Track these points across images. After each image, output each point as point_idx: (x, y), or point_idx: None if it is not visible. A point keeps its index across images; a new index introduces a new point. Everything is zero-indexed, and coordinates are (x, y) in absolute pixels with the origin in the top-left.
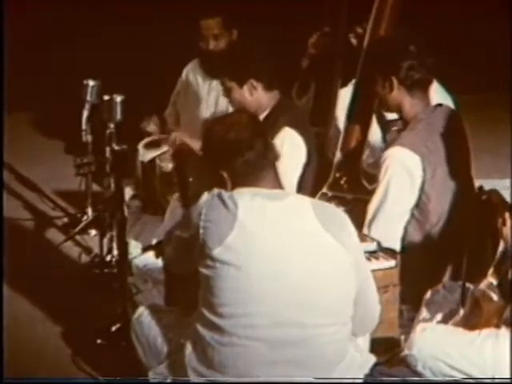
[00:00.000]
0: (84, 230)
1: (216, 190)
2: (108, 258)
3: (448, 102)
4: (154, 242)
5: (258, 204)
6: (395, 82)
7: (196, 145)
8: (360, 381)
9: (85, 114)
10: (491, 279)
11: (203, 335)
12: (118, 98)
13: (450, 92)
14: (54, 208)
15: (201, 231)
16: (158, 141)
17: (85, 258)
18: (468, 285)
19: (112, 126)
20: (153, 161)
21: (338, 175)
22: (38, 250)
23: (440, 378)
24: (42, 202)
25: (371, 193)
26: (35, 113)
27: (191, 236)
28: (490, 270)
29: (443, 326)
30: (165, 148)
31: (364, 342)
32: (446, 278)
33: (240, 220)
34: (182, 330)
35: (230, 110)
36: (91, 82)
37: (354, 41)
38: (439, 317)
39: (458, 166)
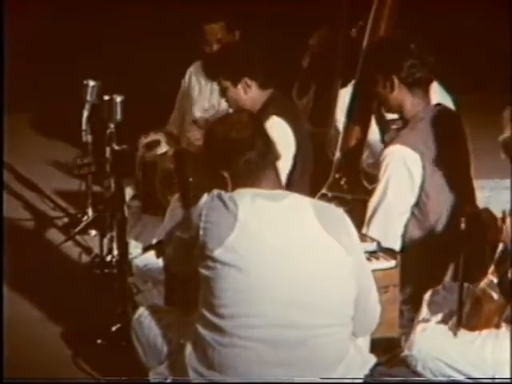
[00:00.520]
0: (84, 231)
1: (216, 191)
2: (108, 258)
3: (448, 101)
4: (154, 242)
5: (258, 204)
6: (396, 81)
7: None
8: (360, 381)
9: (85, 114)
10: (492, 278)
11: (203, 336)
12: (118, 98)
13: (449, 92)
14: (54, 208)
15: (201, 232)
16: (158, 141)
17: (85, 258)
18: (468, 285)
19: (112, 126)
20: (153, 161)
21: (337, 176)
22: (38, 250)
23: (440, 378)
24: (42, 201)
25: (371, 193)
26: (35, 113)
27: (191, 237)
28: (491, 269)
29: (443, 326)
30: (165, 148)
31: (364, 342)
32: (448, 278)
33: (240, 221)
34: (182, 330)
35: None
36: (91, 82)
37: (354, 34)
38: (439, 317)
39: (457, 165)
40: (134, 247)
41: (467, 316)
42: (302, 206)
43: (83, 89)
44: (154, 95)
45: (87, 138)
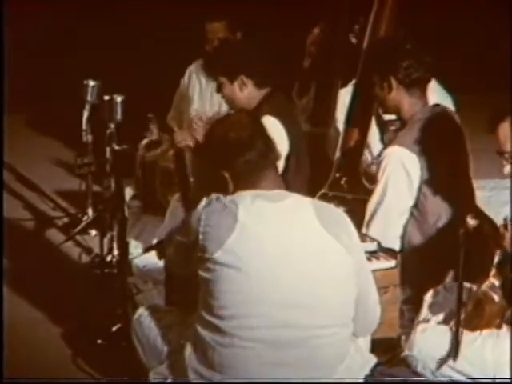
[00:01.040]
0: (84, 230)
1: (214, 195)
2: (108, 258)
3: (447, 101)
4: (154, 242)
5: (258, 205)
6: (394, 82)
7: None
8: (361, 381)
9: (85, 114)
10: (493, 280)
11: (203, 336)
12: (118, 98)
13: (449, 92)
14: (54, 208)
15: (200, 237)
16: (158, 141)
17: (85, 258)
18: (471, 285)
19: (112, 125)
20: (153, 161)
21: (338, 175)
22: (38, 249)
23: (440, 379)
24: (42, 201)
25: (371, 193)
26: (35, 113)
27: (191, 241)
28: (492, 272)
29: (444, 326)
30: (165, 148)
31: (365, 342)
32: (448, 278)
33: (240, 221)
34: (182, 330)
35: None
36: (91, 82)
37: (353, 40)
38: (440, 317)
39: (456, 166)
40: (134, 247)
41: (469, 317)
42: (302, 206)
43: (83, 89)
44: (154, 95)
45: (87, 137)
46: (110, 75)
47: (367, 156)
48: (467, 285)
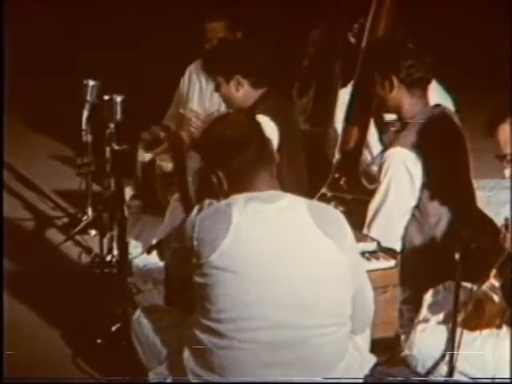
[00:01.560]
0: (84, 230)
1: (207, 200)
2: (108, 258)
3: (448, 101)
4: (154, 242)
5: (252, 207)
6: (395, 81)
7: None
8: (360, 381)
9: (85, 114)
10: (494, 281)
11: (202, 339)
12: (118, 98)
13: (449, 92)
14: (54, 208)
15: (195, 243)
16: (158, 141)
17: (85, 258)
18: (471, 285)
19: (112, 126)
20: (153, 161)
21: (337, 175)
22: (38, 250)
23: (440, 379)
24: (42, 201)
25: (371, 193)
26: (35, 113)
27: (186, 248)
28: (493, 272)
29: (443, 326)
30: (165, 147)
31: (364, 342)
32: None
33: (234, 224)
34: (182, 330)
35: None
36: (91, 82)
37: (352, 40)
38: (439, 317)
39: (457, 166)
40: (134, 247)
41: (469, 317)
42: (296, 207)
43: (83, 89)
44: (153, 95)
45: (87, 137)
46: (110, 75)
47: (367, 156)
48: (467, 285)
